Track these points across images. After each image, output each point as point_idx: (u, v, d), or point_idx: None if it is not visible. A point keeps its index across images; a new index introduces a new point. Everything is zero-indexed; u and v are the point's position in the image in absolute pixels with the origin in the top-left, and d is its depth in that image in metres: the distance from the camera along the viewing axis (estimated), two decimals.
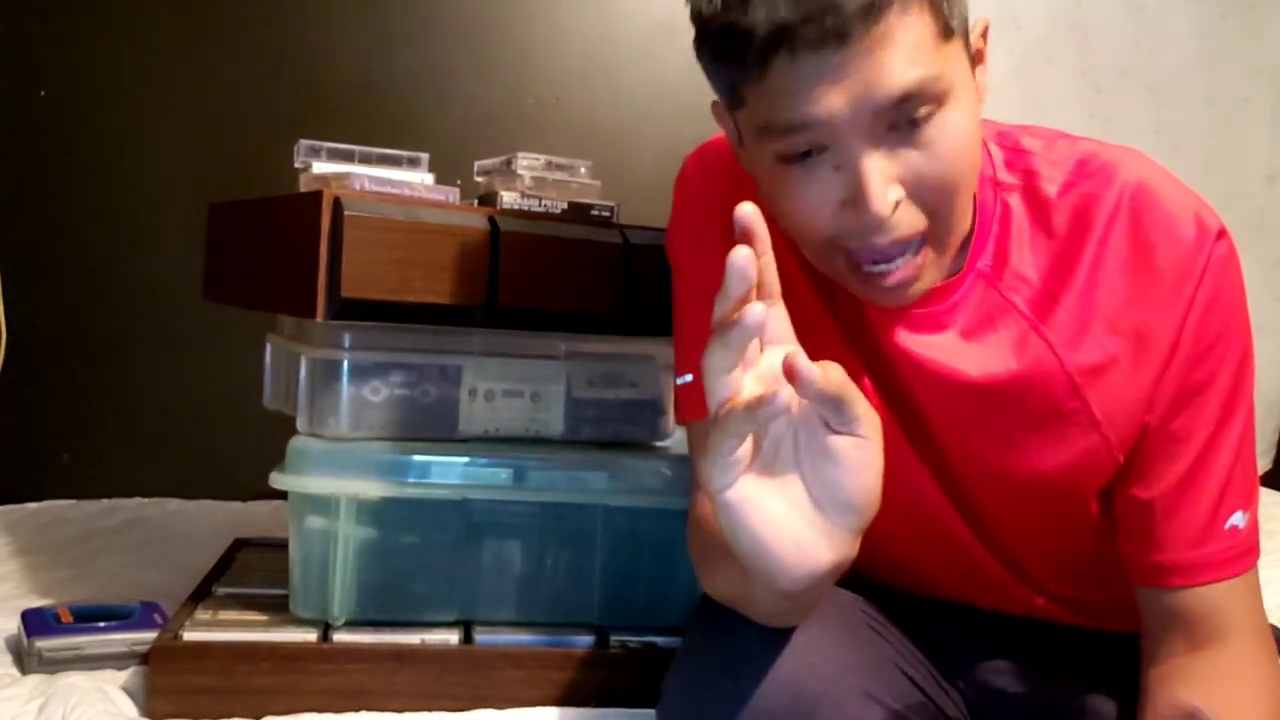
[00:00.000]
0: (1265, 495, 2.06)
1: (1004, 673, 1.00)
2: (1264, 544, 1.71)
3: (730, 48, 0.75)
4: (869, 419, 0.66)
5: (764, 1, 0.72)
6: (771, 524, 0.67)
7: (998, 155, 0.90)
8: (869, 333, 0.91)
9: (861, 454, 0.66)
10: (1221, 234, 0.85)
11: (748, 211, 0.66)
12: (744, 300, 0.63)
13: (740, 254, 0.63)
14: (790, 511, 0.67)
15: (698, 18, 0.78)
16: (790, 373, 0.63)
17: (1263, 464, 2.39)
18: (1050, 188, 0.87)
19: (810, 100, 0.74)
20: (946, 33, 0.76)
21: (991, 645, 1.00)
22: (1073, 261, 0.86)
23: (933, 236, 0.81)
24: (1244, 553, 0.87)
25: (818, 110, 0.74)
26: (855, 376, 0.91)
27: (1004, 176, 0.89)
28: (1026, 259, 0.87)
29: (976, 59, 0.83)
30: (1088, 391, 0.86)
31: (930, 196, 0.78)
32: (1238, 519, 0.86)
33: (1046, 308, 0.87)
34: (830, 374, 0.64)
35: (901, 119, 0.75)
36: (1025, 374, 0.87)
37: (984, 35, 0.83)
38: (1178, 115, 2.37)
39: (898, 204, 0.77)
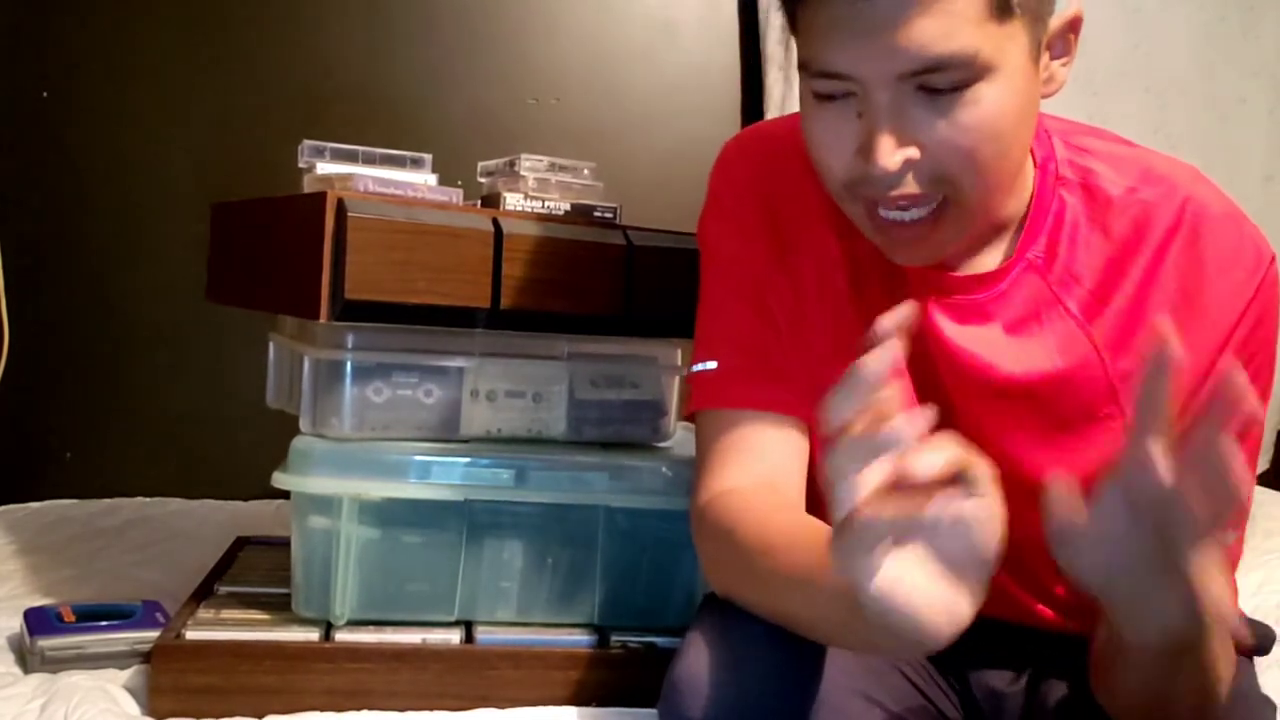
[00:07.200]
0: (1265, 495, 2.06)
1: (1003, 678, 1.00)
2: (1264, 544, 1.73)
3: None
4: (985, 474, 0.64)
5: None
6: (922, 599, 0.63)
7: (1061, 151, 0.90)
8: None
9: (988, 510, 0.63)
10: (1273, 260, 0.86)
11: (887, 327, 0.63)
12: (869, 408, 0.61)
13: (875, 362, 0.60)
14: (931, 581, 0.63)
15: None
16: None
17: (1260, 464, 2.39)
18: (1110, 190, 0.88)
19: (838, 48, 0.76)
20: (1002, 11, 0.75)
21: (991, 651, 1.00)
22: (1125, 267, 0.86)
23: (952, 202, 0.81)
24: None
25: (843, 59, 0.76)
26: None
27: (1065, 172, 0.90)
28: (1079, 257, 0.88)
29: (1059, 50, 0.83)
30: (1124, 397, 0.86)
31: (948, 165, 0.79)
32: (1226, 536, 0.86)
33: (1095, 309, 0.87)
34: (955, 455, 0.61)
35: (929, 85, 0.76)
36: (1069, 374, 0.87)
37: (1073, 27, 0.83)
38: (1176, 116, 2.37)
39: (908, 163, 0.78)
